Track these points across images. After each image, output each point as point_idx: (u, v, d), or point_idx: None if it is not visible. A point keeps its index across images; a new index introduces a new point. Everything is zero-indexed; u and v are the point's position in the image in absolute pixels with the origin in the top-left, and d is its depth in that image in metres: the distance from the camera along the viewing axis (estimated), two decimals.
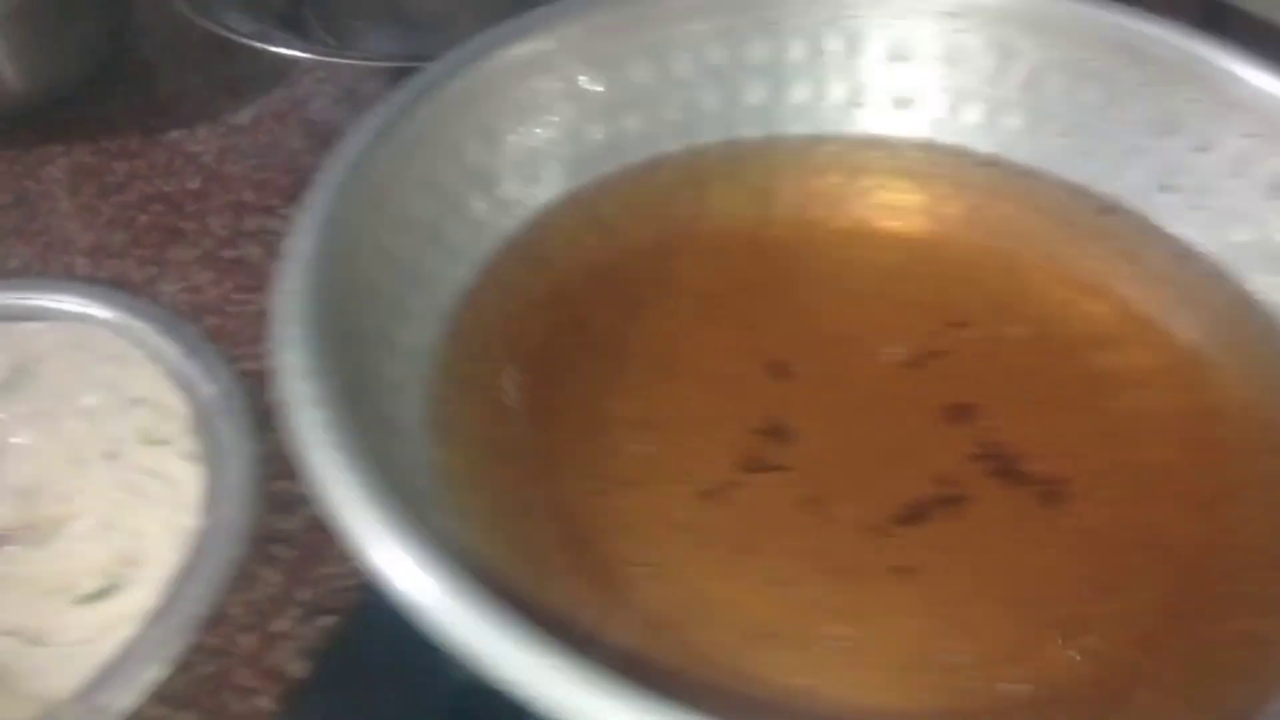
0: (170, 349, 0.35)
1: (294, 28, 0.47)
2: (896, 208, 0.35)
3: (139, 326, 0.35)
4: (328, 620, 0.29)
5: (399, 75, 0.32)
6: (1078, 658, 0.23)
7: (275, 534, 0.31)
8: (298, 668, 0.29)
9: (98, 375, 0.34)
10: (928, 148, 0.35)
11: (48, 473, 0.32)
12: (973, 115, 0.35)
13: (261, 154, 0.45)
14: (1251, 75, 0.31)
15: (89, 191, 0.43)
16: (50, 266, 0.40)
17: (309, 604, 0.30)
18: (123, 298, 0.36)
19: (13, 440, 0.33)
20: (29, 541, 0.30)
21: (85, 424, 0.33)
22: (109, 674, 0.27)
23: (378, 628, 0.26)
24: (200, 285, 0.39)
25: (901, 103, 0.35)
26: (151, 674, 0.27)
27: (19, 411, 0.33)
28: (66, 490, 0.31)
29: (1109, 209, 0.33)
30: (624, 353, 0.30)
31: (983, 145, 0.35)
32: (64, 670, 0.27)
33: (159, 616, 0.28)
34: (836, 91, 0.35)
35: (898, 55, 0.35)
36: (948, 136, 0.35)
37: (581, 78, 0.33)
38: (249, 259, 0.40)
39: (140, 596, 0.29)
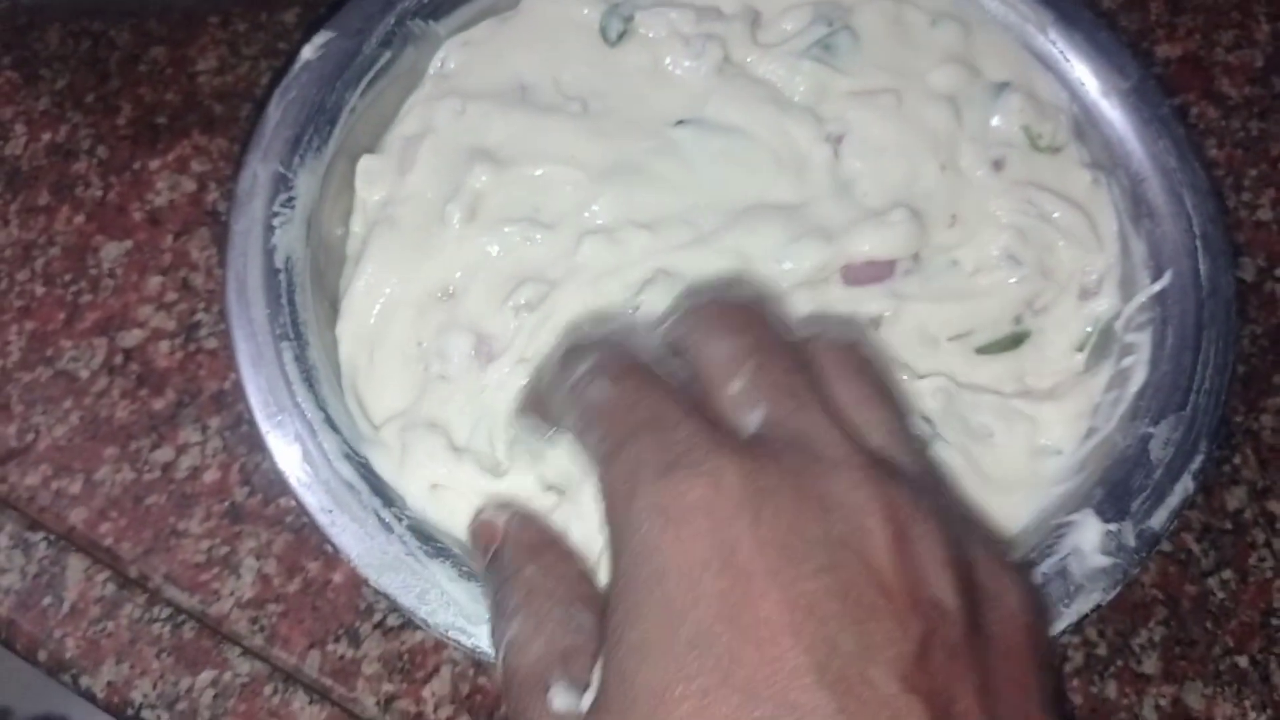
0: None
1: None
2: None
3: None
4: None
5: None
6: None
7: None
8: None
9: (936, 40, 0.26)
10: None
11: (916, 179, 0.25)
12: None
13: None
14: None
15: None
16: None
17: None
18: None
19: (859, 127, 0.25)
20: (914, 272, 0.24)
21: (947, 112, 0.25)
22: None
23: None
24: None
25: None
26: None
27: (850, 85, 0.25)
28: (944, 205, 0.25)
29: None
30: None
31: None
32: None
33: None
34: None
35: None
36: None
37: None
38: None
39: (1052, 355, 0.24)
